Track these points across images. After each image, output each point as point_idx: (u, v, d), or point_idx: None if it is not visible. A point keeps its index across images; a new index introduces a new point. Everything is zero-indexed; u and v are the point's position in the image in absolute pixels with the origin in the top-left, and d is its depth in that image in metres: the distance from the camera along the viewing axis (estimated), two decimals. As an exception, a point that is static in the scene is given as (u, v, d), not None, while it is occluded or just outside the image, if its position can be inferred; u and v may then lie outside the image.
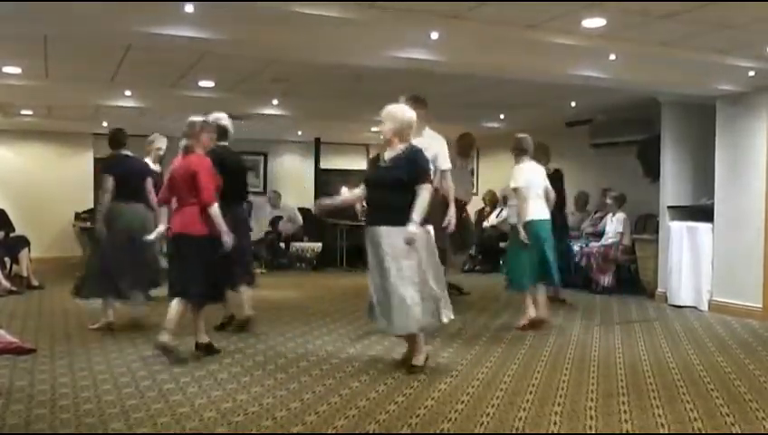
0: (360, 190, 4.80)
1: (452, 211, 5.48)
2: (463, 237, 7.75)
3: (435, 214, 7.86)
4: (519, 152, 6.29)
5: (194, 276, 4.80)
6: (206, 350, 5.06)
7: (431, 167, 5.19)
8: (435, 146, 5.40)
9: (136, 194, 5.99)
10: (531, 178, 6.14)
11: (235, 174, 5.72)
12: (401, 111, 4.57)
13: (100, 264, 5.96)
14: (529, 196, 6.08)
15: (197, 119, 5.08)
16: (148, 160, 6.65)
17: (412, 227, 4.34)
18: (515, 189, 6.15)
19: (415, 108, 5.03)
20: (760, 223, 6.81)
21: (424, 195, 4.41)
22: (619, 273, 8.57)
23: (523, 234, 6.04)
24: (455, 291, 7.88)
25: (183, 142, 5.10)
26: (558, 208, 7.25)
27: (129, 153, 6.20)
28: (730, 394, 4.20)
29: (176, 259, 4.98)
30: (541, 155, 7.30)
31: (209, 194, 4.80)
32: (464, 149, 8.07)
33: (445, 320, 4.60)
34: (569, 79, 6.27)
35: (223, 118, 5.80)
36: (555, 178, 7.32)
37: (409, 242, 4.35)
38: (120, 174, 5.95)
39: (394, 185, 4.45)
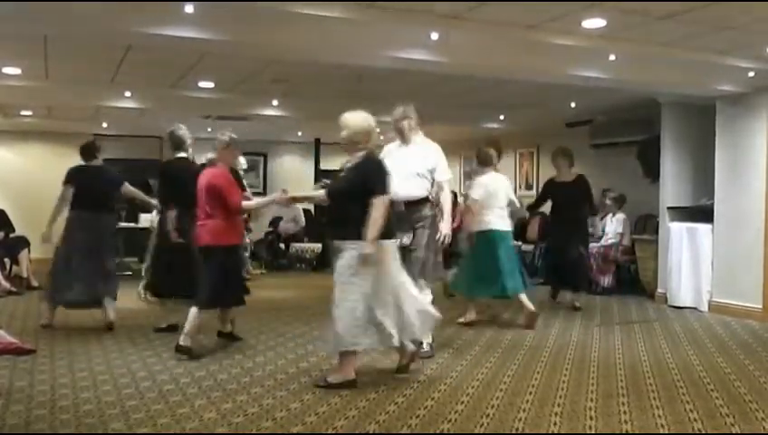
0: (323, 192, 4.72)
1: (447, 224, 5.03)
2: None
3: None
4: (482, 164, 6.46)
5: (226, 285, 5.08)
6: (230, 338, 5.55)
7: (429, 178, 5.04)
8: (432, 156, 5.13)
9: (100, 204, 6.05)
10: (490, 190, 6.27)
11: (191, 187, 5.66)
12: (355, 119, 4.34)
13: (57, 271, 6.02)
14: (487, 207, 6.23)
15: (225, 136, 5.26)
16: None
17: (365, 248, 4.07)
18: (473, 201, 6.30)
19: (404, 115, 5.06)
20: (760, 224, 6.81)
21: (377, 209, 4.11)
22: (619, 273, 8.59)
23: (465, 244, 6.31)
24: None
25: (209, 156, 5.45)
26: (581, 216, 7.25)
27: (98, 164, 6.23)
28: (730, 395, 4.20)
29: (204, 269, 5.05)
30: (562, 160, 7.30)
31: (234, 200, 5.03)
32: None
33: (394, 343, 4.30)
34: (569, 79, 6.28)
35: (179, 129, 5.91)
36: (578, 185, 7.24)
37: (363, 263, 4.10)
38: (83, 184, 6.01)
39: (344, 196, 4.29)
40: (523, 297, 6.31)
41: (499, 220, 6.27)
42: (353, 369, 4.32)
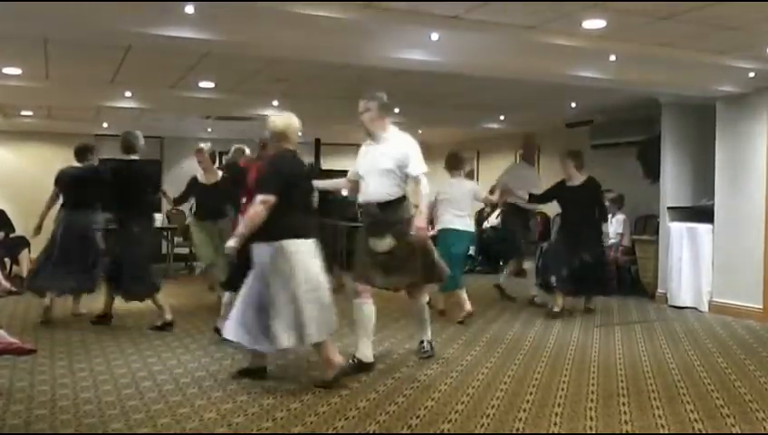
0: (342, 180, 4.86)
1: (420, 218, 4.59)
2: (516, 243, 7.87)
3: (513, 222, 7.75)
4: (446, 168, 6.94)
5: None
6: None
7: (399, 174, 4.62)
8: (400, 149, 4.66)
9: (85, 202, 6.37)
10: (444, 191, 6.73)
11: (137, 189, 6.10)
12: (272, 120, 4.37)
13: (38, 262, 6.46)
14: (444, 208, 6.69)
15: (264, 132, 5.49)
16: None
17: (229, 241, 4.11)
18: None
19: (365, 108, 4.70)
20: (760, 224, 6.81)
21: (250, 208, 4.13)
22: (619, 274, 8.55)
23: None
24: (502, 295, 7.83)
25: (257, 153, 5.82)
26: (591, 220, 6.86)
27: (87, 164, 6.55)
28: (730, 395, 4.20)
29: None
30: (568, 160, 6.98)
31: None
32: (529, 151, 7.99)
33: (282, 346, 4.14)
34: (569, 80, 6.27)
35: (135, 136, 6.18)
36: (587, 188, 6.87)
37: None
38: (69, 184, 6.44)
39: (253, 195, 4.26)
40: (460, 293, 6.61)
41: (455, 220, 6.66)
42: (336, 357, 4.31)
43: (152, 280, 6.12)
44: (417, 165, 4.64)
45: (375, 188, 4.68)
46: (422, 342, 5.09)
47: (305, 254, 4.18)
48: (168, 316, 6.04)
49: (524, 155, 7.99)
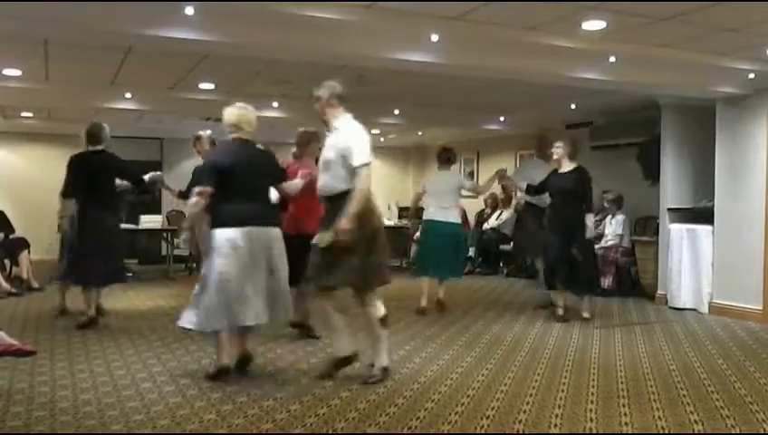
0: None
1: (345, 220, 4.19)
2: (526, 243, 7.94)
3: (530, 221, 7.71)
4: (438, 161, 7.31)
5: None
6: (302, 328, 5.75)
7: (344, 166, 4.28)
8: (345, 139, 4.33)
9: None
10: (431, 183, 7.19)
11: (98, 178, 6.16)
12: (225, 112, 4.58)
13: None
14: (431, 200, 7.06)
15: (307, 130, 5.77)
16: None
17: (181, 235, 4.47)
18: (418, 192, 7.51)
19: (315, 97, 4.48)
20: (760, 225, 6.81)
21: (189, 199, 4.41)
22: (619, 275, 8.56)
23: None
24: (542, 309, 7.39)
25: (293, 151, 5.96)
26: (578, 212, 6.64)
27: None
28: (730, 396, 4.20)
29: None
30: (563, 147, 6.86)
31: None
32: (543, 147, 7.99)
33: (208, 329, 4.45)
34: (569, 81, 6.27)
35: (101, 127, 6.25)
36: (573, 176, 6.71)
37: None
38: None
39: None
40: (438, 285, 6.94)
41: (440, 211, 6.96)
42: (223, 357, 4.49)
43: (120, 272, 6.33)
44: (359, 156, 4.26)
45: (321, 181, 4.46)
46: (372, 365, 4.50)
47: (232, 242, 4.26)
48: (93, 312, 6.17)
49: (539, 152, 7.97)
